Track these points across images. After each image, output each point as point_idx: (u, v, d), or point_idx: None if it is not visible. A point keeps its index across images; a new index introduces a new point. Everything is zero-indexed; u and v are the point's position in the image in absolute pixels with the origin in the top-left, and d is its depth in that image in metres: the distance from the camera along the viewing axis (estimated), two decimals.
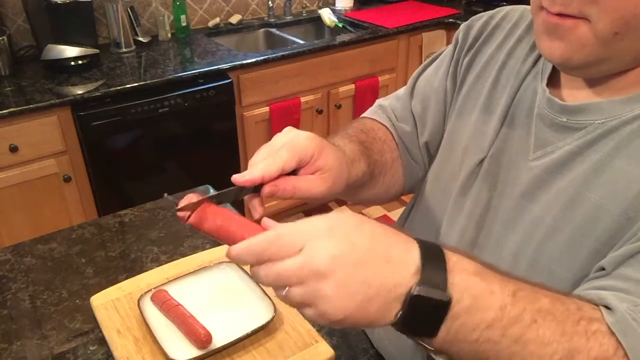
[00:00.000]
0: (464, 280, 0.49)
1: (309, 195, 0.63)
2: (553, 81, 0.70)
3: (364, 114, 0.92)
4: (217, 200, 0.59)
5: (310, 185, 0.63)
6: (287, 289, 0.48)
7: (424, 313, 0.47)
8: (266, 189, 0.60)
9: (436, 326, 0.48)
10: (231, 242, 0.54)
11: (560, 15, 0.58)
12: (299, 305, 0.49)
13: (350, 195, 0.78)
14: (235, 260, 0.52)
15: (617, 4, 0.54)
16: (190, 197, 0.58)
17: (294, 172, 0.63)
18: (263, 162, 0.60)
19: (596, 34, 0.56)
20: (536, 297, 0.51)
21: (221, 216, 0.57)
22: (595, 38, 0.56)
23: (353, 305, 0.46)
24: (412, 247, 0.49)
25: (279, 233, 0.49)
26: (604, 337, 0.50)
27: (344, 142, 0.76)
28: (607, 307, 0.52)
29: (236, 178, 0.59)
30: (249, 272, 0.72)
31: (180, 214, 0.58)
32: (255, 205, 0.63)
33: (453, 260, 0.49)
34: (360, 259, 0.47)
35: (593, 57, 0.58)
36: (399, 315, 0.47)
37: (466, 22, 0.84)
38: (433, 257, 0.49)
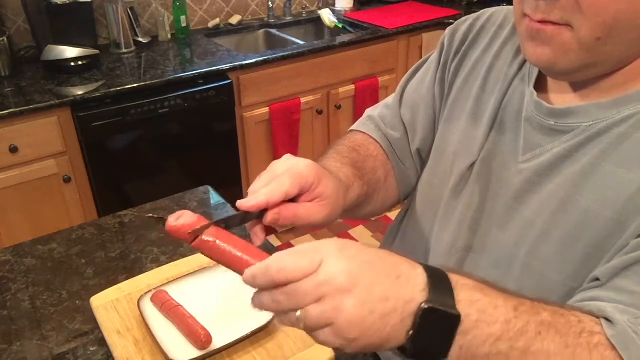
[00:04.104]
0: (470, 296, 0.49)
1: (308, 223, 0.64)
2: (540, 84, 0.70)
3: (353, 127, 0.92)
4: (225, 225, 0.59)
5: (309, 212, 0.63)
6: (299, 312, 0.47)
7: (435, 329, 0.47)
8: (269, 217, 0.61)
9: (448, 343, 0.48)
10: (236, 267, 0.54)
11: (542, 22, 0.58)
12: (315, 326, 0.47)
13: (347, 215, 0.79)
14: (249, 283, 0.51)
15: (599, 10, 0.54)
16: (180, 215, 0.58)
17: (292, 200, 0.63)
18: (267, 187, 0.60)
19: (579, 40, 0.56)
20: (537, 311, 0.51)
21: (228, 241, 0.56)
22: (579, 44, 0.57)
23: (371, 320, 0.46)
24: (417, 266, 0.50)
25: (297, 251, 0.49)
26: (606, 350, 0.50)
27: (337, 166, 0.76)
28: (607, 320, 0.52)
29: (242, 203, 0.60)
30: None
31: (180, 235, 0.57)
32: (257, 232, 0.63)
33: (455, 278, 0.49)
34: (375, 276, 0.47)
35: (578, 62, 0.59)
36: (410, 333, 0.47)
37: (451, 27, 0.84)
38: (437, 276, 0.49)
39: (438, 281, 0.48)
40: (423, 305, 0.46)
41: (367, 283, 0.46)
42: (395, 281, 0.47)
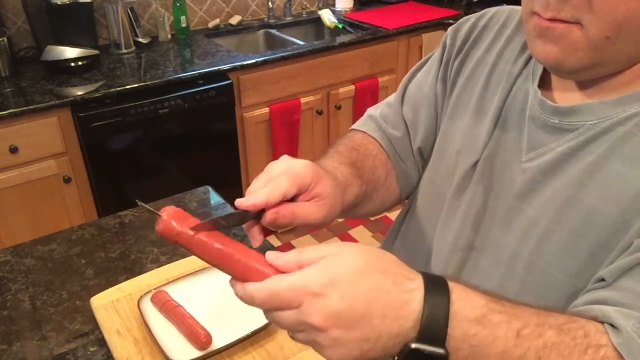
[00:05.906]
0: (465, 331, 0.48)
1: (307, 222, 0.64)
2: (544, 82, 0.70)
3: (354, 125, 0.92)
4: (227, 223, 0.59)
5: (307, 212, 0.63)
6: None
7: None
8: (268, 216, 0.61)
9: None
10: (230, 268, 0.54)
11: (552, 20, 0.58)
12: (307, 345, 0.51)
13: (345, 214, 0.79)
14: (245, 300, 0.53)
15: (610, 8, 0.54)
16: (168, 210, 0.58)
17: (291, 200, 0.63)
18: (265, 188, 0.60)
19: (589, 38, 0.56)
20: (541, 332, 0.50)
21: (223, 241, 0.56)
22: (588, 43, 0.57)
23: (353, 355, 0.48)
24: (413, 298, 0.48)
25: (278, 291, 0.49)
26: None
27: (334, 166, 0.76)
28: (612, 326, 0.51)
29: (240, 202, 0.59)
30: None
31: (163, 233, 0.58)
32: (255, 234, 0.63)
33: (456, 307, 0.48)
34: (355, 320, 0.47)
35: (586, 61, 0.58)
36: None
37: (453, 26, 0.84)
38: (434, 308, 0.47)
39: (433, 314, 0.47)
40: (409, 344, 0.47)
41: (344, 327, 0.47)
42: (380, 321, 0.47)
